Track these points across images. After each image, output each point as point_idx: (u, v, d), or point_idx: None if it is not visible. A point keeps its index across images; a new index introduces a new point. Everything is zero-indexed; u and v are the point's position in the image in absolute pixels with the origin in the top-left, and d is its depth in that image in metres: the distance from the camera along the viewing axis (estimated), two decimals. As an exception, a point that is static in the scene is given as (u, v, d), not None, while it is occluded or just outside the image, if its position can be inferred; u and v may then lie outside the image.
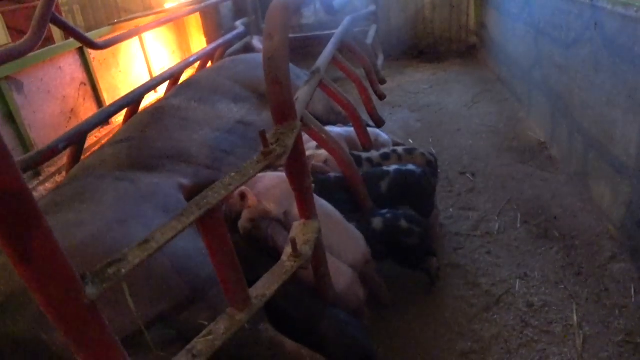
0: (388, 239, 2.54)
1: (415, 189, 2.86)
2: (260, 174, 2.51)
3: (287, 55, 1.65)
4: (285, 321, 2.00)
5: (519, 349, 2.38)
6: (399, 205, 2.83)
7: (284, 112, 1.68)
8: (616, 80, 2.95)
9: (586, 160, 3.47)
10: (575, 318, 2.51)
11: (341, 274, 2.26)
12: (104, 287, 1.08)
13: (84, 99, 5.82)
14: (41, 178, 4.83)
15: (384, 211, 2.65)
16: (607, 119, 3.08)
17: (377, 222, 2.57)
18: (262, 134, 1.46)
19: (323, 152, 2.91)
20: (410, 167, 2.90)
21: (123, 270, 1.11)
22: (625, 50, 2.84)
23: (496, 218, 3.39)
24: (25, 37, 2.79)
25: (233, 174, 1.41)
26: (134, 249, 1.16)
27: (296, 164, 1.74)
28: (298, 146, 1.70)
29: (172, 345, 1.81)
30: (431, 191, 2.99)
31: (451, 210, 3.52)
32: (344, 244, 2.37)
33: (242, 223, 2.37)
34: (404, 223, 2.55)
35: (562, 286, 2.73)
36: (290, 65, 1.92)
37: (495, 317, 2.59)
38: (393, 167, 2.91)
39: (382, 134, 3.59)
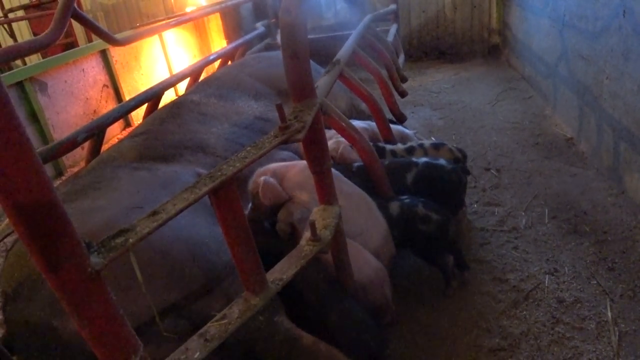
0: (404, 225, 2.44)
1: (443, 184, 2.75)
2: (290, 163, 2.45)
3: (305, 29, 1.59)
4: (297, 304, 1.92)
5: (550, 346, 2.26)
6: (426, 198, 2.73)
7: (302, 89, 1.62)
8: (649, 67, 2.83)
9: (617, 153, 3.33)
10: (609, 314, 2.38)
11: (367, 265, 2.17)
12: (110, 257, 1.03)
13: (106, 101, 5.87)
14: (63, 178, 4.87)
15: (404, 197, 2.56)
16: (639, 107, 2.95)
17: (394, 207, 2.48)
18: (279, 107, 1.40)
19: (341, 140, 2.84)
20: (442, 161, 2.80)
21: (131, 240, 1.06)
22: (658, 36, 2.72)
23: (523, 213, 3.26)
24: (47, 30, 2.79)
25: (249, 148, 1.35)
26: (143, 219, 1.10)
27: (315, 143, 1.67)
28: (317, 125, 1.64)
29: (186, 335, 1.76)
30: (460, 189, 2.88)
31: (475, 206, 3.41)
32: (372, 227, 2.29)
33: (281, 227, 2.31)
34: (421, 209, 2.46)
35: (595, 282, 2.60)
36: (311, 62, 1.87)
37: (524, 313, 2.47)
38: (423, 160, 2.81)
39: (407, 131, 3.51)
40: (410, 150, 3.04)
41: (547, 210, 3.26)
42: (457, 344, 2.33)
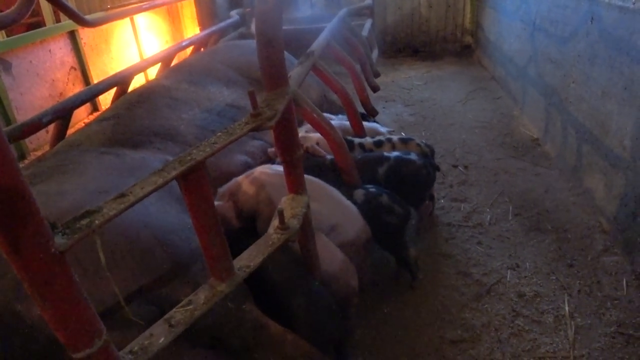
0: (368, 213, 2.44)
1: (413, 178, 2.79)
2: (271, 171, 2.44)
3: (280, 18, 1.59)
4: (264, 287, 1.93)
5: (509, 338, 2.33)
6: (395, 192, 2.76)
7: (275, 78, 1.61)
8: (612, 72, 2.92)
9: (580, 154, 3.43)
10: (567, 309, 2.46)
11: (334, 258, 2.18)
12: (75, 238, 1.01)
13: (74, 84, 5.72)
14: (26, 162, 4.73)
15: (369, 186, 2.59)
16: (602, 111, 3.05)
17: (358, 194, 2.50)
18: (252, 94, 1.39)
19: (315, 135, 2.85)
20: (413, 156, 2.84)
21: (96, 222, 1.04)
22: (622, 42, 2.81)
23: (488, 210, 3.34)
24: (13, 7, 2.70)
25: (220, 134, 1.34)
26: (110, 201, 1.09)
27: (286, 132, 1.67)
28: (289, 114, 1.64)
29: (152, 321, 1.74)
30: (429, 183, 2.93)
31: (443, 201, 3.47)
32: (346, 220, 2.30)
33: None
34: (385, 199, 2.49)
35: (554, 277, 2.69)
36: (285, 52, 1.86)
37: (486, 306, 2.53)
38: (394, 154, 2.85)
39: (381, 128, 3.54)
40: (379, 144, 3.07)
41: (511, 208, 3.34)
42: (421, 335, 2.38)
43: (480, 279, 2.71)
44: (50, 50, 5.39)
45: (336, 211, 2.31)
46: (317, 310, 1.91)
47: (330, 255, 2.17)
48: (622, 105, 2.80)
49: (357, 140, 3.05)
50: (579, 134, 3.45)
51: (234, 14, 5.93)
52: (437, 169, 2.97)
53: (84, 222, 1.04)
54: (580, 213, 3.21)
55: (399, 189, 2.82)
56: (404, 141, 3.11)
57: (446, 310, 2.52)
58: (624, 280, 2.61)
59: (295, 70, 2.55)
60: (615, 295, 2.53)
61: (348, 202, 2.39)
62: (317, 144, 2.82)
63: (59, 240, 0.99)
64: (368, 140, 3.09)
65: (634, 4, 2.67)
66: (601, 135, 3.07)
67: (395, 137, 3.14)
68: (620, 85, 2.83)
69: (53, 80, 5.41)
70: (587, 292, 2.57)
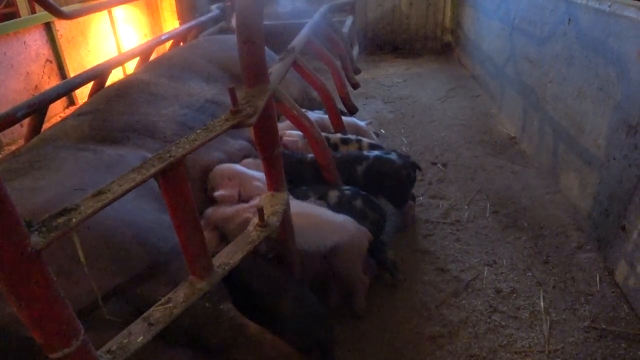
0: None
1: (392, 178, 2.81)
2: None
3: (261, 14, 1.58)
4: (247, 294, 1.92)
5: (486, 334, 2.37)
6: (374, 192, 2.77)
7: (256, 74, 1.61)
8: (588, 73, 2.98)
9: (556, 153, 3.50)
10: (542, 304, 2.51)
11: (334, 231, 2.23)
12: (51, 236, 0.99)
13: (49, 77, 5.60)
14: (0, 156, 4.62)
15: (346, 187, 2.59)
16: (578, 111, 3.11)
17: (332, 196, 2.50)
18: (232, 91, 1.38)
19: (297, 133, 2.85)
20: (393, 155, 2.85)
21: (74, 220, 1.02)
22: (597, 44, 2.86)
23: (466, 207, 3.38)
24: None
25: (199, 131, 1.33)
26: (88, 199, 1.07)
27: (266, 129, 1.67)
28: (269, 111, 1.63)
29: (130, 320, 1.72)
30: (409, 184, 2.95)
31: (421, 198, 3.50)
32: (330, 232, 2.31)
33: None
34: (359, 203, 2.49)
35: (530, 274, 2.73)
36: (265, 48, 1.85)
37: (463, 302, 2.57)
38: (374, 153, 2.86)
39: (360, 123, 3.55)
40: (345, 142, 3.08)
41: (488, 205, 3.39)
42: (399, 331, 2.40)
43: (458, 276, 2.75)
44: (25, 42, 5.26)
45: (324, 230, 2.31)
46: (303, 314, 1.91)
47: (328, 230, 2.19)
48: (597, 105, 2.86)
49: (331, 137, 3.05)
50: (555, 133, 3.51)
51: (214, 8, 5.87)
52: (418, 168, 2.99)
53: (61, 220, 1.02)
54: (556, 210, 3.27)
55: (379, 189, 2.84)
56: (373, 146, 3.12)
57: (424, 307, 2.55)
58: (597, 276, 2.67)
59: (275, 66, 2.54)
60: (588, 290, 2.59)
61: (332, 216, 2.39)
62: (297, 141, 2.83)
63: (35, 239, 0.98)
64: (336, 135, 3.11)
65: (609, 6, 2.72)
66: (577, 135, 3.13)
67: (365, 141, 3.15)
68: (595, 86, 2.88)
69: (28, 72, 5.29)
70: (562, 288, 2.63)
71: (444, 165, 3.98)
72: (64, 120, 2.66)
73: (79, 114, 2.68)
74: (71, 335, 1.06)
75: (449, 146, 4.32)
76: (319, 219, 2.28)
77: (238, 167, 2.52)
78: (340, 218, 2.34)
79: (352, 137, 3.17)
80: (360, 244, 2.32)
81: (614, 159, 2.65)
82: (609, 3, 2.72)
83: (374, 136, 3.62)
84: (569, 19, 3.26)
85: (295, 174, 2.68)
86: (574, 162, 3.19)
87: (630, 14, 2.49)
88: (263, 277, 1.94)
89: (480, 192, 3.56)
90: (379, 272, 2.72)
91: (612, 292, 2.56)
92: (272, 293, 1.94)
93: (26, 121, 2.92)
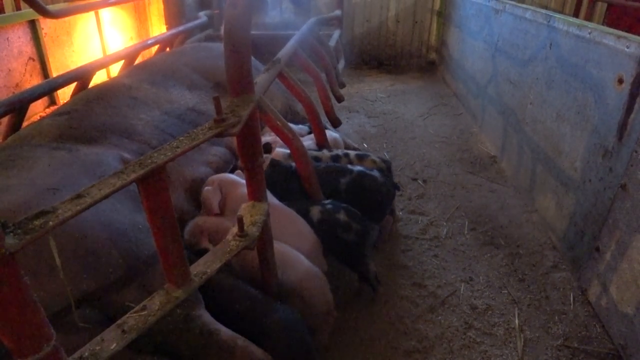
0: (325, 231, 2.45)
1: (373, 194, 2.82)
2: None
3: (248, 25, 1.58)
4: (230, 315, 1.90)
5: (461, 350, 2.38)
6: (354, 206, 2.77)
7: (241, 83, 1.61)
8: (567, 97, 3.05)
9: (534, 173, 3.56)
10: (517, 322, 2.54)
11: (298, 264, 2.15)
12: (27, 239, 0.97)
13: (31, 75, 5.51)
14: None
15: (327, 201, 2.59)
16: (556, 133, 3.18)
17: (314, 212, 2.49)
18: (216, 100, 1.38)
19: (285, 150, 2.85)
20: (375, 172, 2.86)
21: (50, 223, 1.01)
22: (576, 69, 2.94)
23: (444, 223, 3.41)
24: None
25: (182, 138, 1.32)
26: (66, 202, 1.05)
27: (249, 139, 1.67)
28: (252, 121, 1.64)
29: (101, 326, 1.69)
30: (389, 201, 2.96)
31: (401, 213, 3.52)
32: (293, 235, 2.30)
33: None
34: (342, 216, 2.49)
35: (506, 291, 2.77)
36: (252, 58, 1.85)
37: (439, 318, 2.58)
38: (358, 168, 2.87)
39: (335, 134, 3.56)
40: (335, 159, 3.08)
41: (467, 222, 3.43)
42: (375, 345, 2.40)
43: (435, 291, 2.77)
44: (7, 39, 5.18)
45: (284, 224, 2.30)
46: (287, 337, 1.88)
47: (294, 262, 2.15)
48: (574, 128, 2.93)
49: (313, 153, 3.04)
50: (534, 154, 3.58)
51: (202, 15, 5.88)
52: (398, 188, 3.01)
53: (38, 222, 1.01)
54: (533, 230, 3.32)
55: (359, 203, 2.84)
56: (361, 157, 3.13)
57: (400, 321, 2.56)
58: (571, 295, 2.71)
59: (261, 76, 2.54)
60: (562, 309, 2.63)
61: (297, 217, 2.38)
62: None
63: (10, 241, 0.96)
64: (325, 153, 3.11)
65: (589, 33, 2.80)
66: (554, 156, 3.20)
67: (352, 153, 3.16)
68: (573, 110, 2.95)
69: (9, 70, 5.20)
70: (536, 306, 2.66)
71: (424, 181, 4.01)
72: (41, 119, 2.62)
73: (57, 113, 2.64)
74: (42, 340, 1.04)
75: (429, 163, 4.36)
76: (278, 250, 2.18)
77: (231, 176, 2.51)
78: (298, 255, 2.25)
79: (340, 152, 3.17)
80: (316, 285, 2.20)
81: (590, 181, 2.71)
82: (589, 30, 2.80)
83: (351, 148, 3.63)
84: (551, 44, 3.34)
85: (280, 183, 2.68)
86: (551, 183, 3.25)
87: (609, 42, 2.56)
88: (247, 297, 1.91)
89: (459, 209, 3.59)
90: (359, 285, 2.72)
91: (585, 312, 2.60)
92: (253, 313, 1.91)
93: (5, 119, 2.87)
